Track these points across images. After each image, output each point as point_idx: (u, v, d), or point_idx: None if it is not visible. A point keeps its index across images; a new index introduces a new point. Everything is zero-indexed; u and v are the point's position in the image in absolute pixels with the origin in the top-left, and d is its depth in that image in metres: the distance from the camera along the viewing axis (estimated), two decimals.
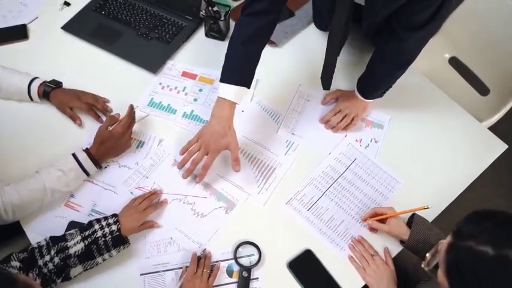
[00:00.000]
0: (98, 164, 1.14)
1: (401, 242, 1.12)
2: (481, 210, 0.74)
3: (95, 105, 1.28)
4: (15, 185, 1.06)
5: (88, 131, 1.27)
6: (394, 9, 1.04)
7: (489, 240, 0.67)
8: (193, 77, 1.39)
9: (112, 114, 1.20)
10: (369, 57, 1.26)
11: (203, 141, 1.13)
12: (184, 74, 1.39)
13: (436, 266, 0.76)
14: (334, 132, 1.30)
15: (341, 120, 1.29)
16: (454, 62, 1.75)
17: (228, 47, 1.14)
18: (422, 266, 0.81)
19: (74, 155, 1.12)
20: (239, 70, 1.12)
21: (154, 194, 1.16)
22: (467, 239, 0.69)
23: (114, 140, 1.15)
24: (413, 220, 1.09)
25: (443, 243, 0.74)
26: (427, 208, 1.08)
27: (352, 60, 1.43)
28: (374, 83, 1.26)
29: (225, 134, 1.12)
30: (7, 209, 1.03)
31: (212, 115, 1.13)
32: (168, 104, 1.33)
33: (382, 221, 1.12)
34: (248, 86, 1.14)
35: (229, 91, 1.11)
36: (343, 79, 1.39)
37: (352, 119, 1.29)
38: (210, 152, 1.12)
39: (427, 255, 0.80)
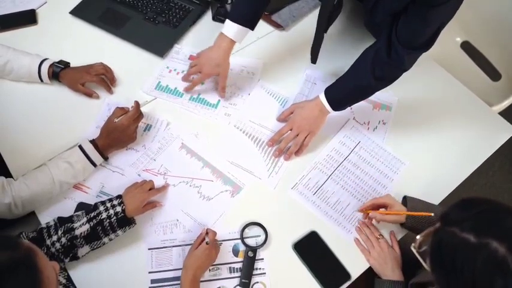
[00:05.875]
0: (103, 155, 1.15)
1: (401, 224, 1.11)
2: (469, 197, 0.73)
3: (105, 75, 1.29)
4: (23, 178, 1.07)
5: (97, 113, 1.28)
6: None
7: (472, 227, 0.67)
8: None
9: (121, 106, 1.19)
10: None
11: (199, 62, 1.26)
12: (192, 58, 1.39)
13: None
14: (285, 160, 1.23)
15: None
16: (466, 46, 1.72)
17: None
18: (412, 247, 0.80)
19: (80, 146, 1.12)
20: (246, 12, 1.19)
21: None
22: (452, 225, 0.69)
23: (119, 132, 1.15)
24: (407, 201, 1.09)
25: (433, 227, 0.74)
26: (431, 215, 1.01)
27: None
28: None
29: (219, 63, 1.22)
30: (17, 203, 1.04)
31: (213, 44, 1.23)
32: (175, 88, 1.34)
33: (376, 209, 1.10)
34: (252, 28, 1.21)
35: (232, 29, 1.19)
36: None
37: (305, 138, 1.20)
38: (201, 73, 1.26)
39: (418, 237, 0.79)
